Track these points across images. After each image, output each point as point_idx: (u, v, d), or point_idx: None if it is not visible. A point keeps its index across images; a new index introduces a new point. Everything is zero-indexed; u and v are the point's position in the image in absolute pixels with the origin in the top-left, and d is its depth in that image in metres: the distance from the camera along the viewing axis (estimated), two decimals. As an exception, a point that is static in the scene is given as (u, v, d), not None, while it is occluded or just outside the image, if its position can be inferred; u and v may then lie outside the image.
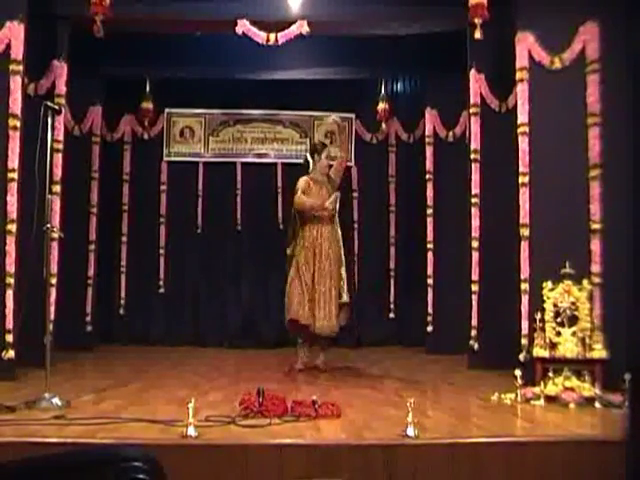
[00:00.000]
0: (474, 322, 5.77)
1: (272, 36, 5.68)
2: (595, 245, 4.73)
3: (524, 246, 4.92)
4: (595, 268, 4.69)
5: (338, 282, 5.62)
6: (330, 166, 5.88)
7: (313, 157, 5.86)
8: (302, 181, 5.79)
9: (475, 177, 5.81)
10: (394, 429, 3.34)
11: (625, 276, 4.66)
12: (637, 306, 4.38)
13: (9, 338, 4.79)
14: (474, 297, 5.79)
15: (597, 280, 4.66)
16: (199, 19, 5.73)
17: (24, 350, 4.87)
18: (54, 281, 5.24)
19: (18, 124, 4.91)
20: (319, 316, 5.48)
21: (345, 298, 5.66)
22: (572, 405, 4.15)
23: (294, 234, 5.76)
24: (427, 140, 7.10)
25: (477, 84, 5.82)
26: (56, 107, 4.33)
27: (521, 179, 4.94)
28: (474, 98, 5.83)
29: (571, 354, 4.37)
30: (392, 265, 7.81)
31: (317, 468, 3.08)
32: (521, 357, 4.76)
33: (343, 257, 5.77)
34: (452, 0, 5.25)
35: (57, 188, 5.46)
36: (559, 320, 4.48)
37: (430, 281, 6.98)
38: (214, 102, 7.90)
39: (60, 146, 5.56)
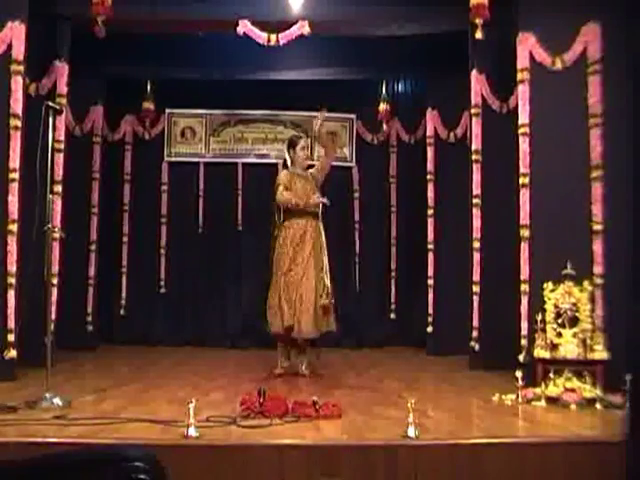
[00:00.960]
0: (475, 323, 5.77)
1: (273, 36, 5.69)
2: (597, 246, 4.73)
3: (524, 247, 4.92)
4: (597, 269, 4.69)
5: (319, 284, 5.40)
6: (308, 159, 5.66)
7: (289, 152, 5.71)
8: (283, 175, 5.62)
9: (476, 178, 5.80)
10: (395, 430, 3.35)
11: (626, 277, 4.66)
12: (638, 307, 4.38)
13: (10, 338, 4.79)
14: (475, 298, 5.78)
15: (599, 281, 4.66)
16: (200, 19, 5.73)
17: (25, 350, 4.87)
18: (55, 281, 5.26)
19: (19, 124, 4.92)
20: (296, 320, 5.29)
21: (325, 300, 5.39)
22: (573, 406, 4.15)
23: (275, 236, 5.55)
24: (428, 141, 7.09)
25: (478, 85, 5.82)
26: (57, 107, 4.34)
27: (522, 180, 4.94)
28: (475, 99, 5.83)
29: (572, 355, 4.37)
30: (393, 265, 7.80)
31: (318, 468, 3.09)
32: (521, 358, 4.77)
33: (326, 258, 5.53)
34: (453, 0, 5.25)
35: (58, 188, 5.46)
36: (560, 321, 4.48)
37: (431, 282, 6.98)
38: (215, 102, 7.89)
39: (61, 146, 5.55)
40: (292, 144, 5.74)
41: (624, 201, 4.75)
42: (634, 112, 4.75)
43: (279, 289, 5.42)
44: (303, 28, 5.61)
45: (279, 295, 5.40)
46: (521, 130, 4.97)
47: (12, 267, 4.84)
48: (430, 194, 7.02)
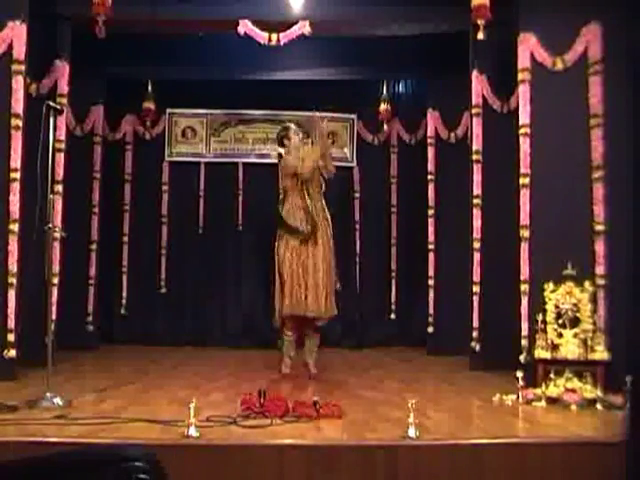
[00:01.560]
0: (475, 323, 5.76)
1: (274, 36, 5.70)
2: (599, 246, 4.73)
3: (524, 247, 4.92)
4: (599, 270, 4.69)
5: (332, 268, 5.36)
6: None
7: (283, 144, 5.56)
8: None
9: (476, 178, 5.80)
10: (395, 430, 3.35)
11: (627, 278, 4.65)
12: (638, 308, 4.38)
13: (11, 337, 4.79)
14: (475, 298, 5.78)
15: (600, 282, 4.66)
16: (201, 19, 5.74)
17: (25, 349, 4.87)
18: (56, 281, 5.26)
19: (20, 124, 4.92)
20: (309, 301, 5.19)
21: (339, 286, 5.50)
22: (573, 406, 4.14)
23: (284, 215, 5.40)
24: (429, 141, 7.10)
25: (479, 85, 5.82)
26: (58, 107, 4.34)
27: (522, 180, 4.94)
28: (476, 99, 5.83)
29: (572, 355, 4.37)
30: (393, 266, 7.80)
31: (318, 469, 3.08)
32: (521, 358, 4.77)
33: (332, 242, 5.46)
34: (454, 1, 5.25)
35: (59, 188, 5.47)
36: (561, 321, 4.47)
37: (431, 282, 6.99)
38: (216, 102, 7.90)
39: (62, 146, 5.56)
40: (283, 137, 5.59)
41: (625, 201, 4.74)
42: (635, 112, 4.74)
43: (292, 271, 5.27)
44: (304, 28, 5.62)
45: (292, 276, 5.26)
46: (522, 130, 4.97)
47: (13, 267, 4.84)
48: (430, 194, 7.03)
